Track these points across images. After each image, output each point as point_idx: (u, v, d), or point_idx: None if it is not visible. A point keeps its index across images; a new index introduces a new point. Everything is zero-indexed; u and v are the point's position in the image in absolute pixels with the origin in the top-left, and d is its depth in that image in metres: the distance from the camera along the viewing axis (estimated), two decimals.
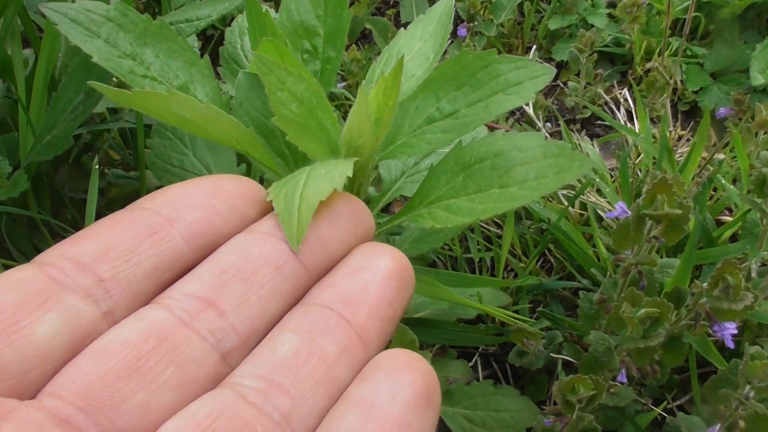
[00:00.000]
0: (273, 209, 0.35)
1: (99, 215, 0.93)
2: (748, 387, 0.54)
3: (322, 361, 0.27)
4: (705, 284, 0.60)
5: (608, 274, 0.80)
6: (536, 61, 0.54)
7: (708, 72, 1.25)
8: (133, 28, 0.57)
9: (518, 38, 1.35)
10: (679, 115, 1.23)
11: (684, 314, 0.58)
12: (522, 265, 0.87)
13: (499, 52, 0.53)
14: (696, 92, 1.23)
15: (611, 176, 0.99)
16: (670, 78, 1.16)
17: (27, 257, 0.81)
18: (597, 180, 0.87)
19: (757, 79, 1.17)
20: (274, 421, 0.25)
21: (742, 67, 1.23)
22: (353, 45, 1.38)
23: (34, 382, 0.24)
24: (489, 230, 0.94)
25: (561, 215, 0.81)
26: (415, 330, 0.75)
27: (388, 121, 0.47)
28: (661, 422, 0.73)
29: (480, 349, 0.83)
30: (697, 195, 0.75)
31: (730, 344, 0.61)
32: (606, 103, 1.23)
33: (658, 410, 0.70)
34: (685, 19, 1.12)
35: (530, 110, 1.12)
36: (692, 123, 1.22)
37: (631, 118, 1.17)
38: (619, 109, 1.19)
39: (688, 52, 1.27)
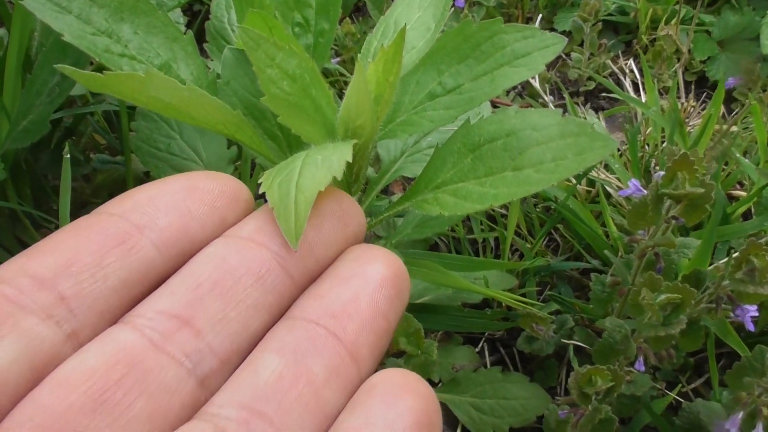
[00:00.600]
0: (255, 210, 0.32)
1: (85, 204, 0.90)
2: None
3: (310, 385, 0.25)
4: (723, 264, 0.57)
5: (619, 253, 0.76)
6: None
7: (716, 40, 1.20)
8: (109, 2, 0.52)
9: (518, 8, 1.30)
10: (687, 86, 1.19)
11: (705, 297, 0.55)
12: (528, 245, 0.84)
13: None
14: (703, 61, 1.19)
15: (618, 151, 0.95)
16: (676, 47, 1.11)
17: (11, 252, 0.77)
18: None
19: None
20: None
21: (752, 34, 1.19)
22: (347, 18, 1.33)
23: None
24: (493, 209, 0.90)
25: (569, 193, 0.77)
26: (419, 316, 0.71)
27: (389, 99, 0.43)
28: (677, 406, 0.70)
29: (486, 333, 0.80)
30: (716, 172, 0.71)
31: (751, 327, 0.58)
32: (611, 75, 1.18)
33: (673, 395, 0.67)
34: None
35: (536, 83, 1.08)
36: (699, 94, 1.18)
37: (637, 90, 1.13)
38: (624, 81, 1.14)
39: (695, 20, 1.23)
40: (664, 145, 0.97)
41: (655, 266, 0.58)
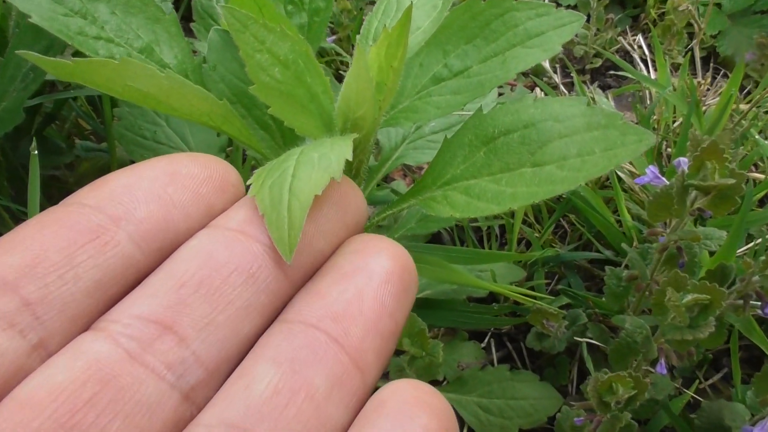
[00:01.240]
0: (245, 194, 0.28)
1: (68, 195, 0.85)
2: None
3: (310, 399, 0.22)
4: (748, 257, 0.53)
5: (633, 243, 0.73)
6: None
7: (726, 14, 1.15)
8: None
9: None
10: (695, 62, 1.14)
11: (732, 294, 0.51)
12: (536, 234, 0.80)
13: None
14: (714, 36, 1.14)
15: None
16: (688, 21, 1.06)
17: None
18: None
19: None
20: None
21: (764, 6, 1.14)
22: None
23: None
24: None
25: None
26: (422, 312, 0.68)
27: (393, 87, 0.39)
28: (694, 404, 0.67)
29: (493, 328, 0.76)
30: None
31: None
32: (617, 51, 1.13)
33: (691, 393, 0.64)
34: None
35: (545, 62, 1.03)
36: (709, 70, 1.13)
37: (646, 67, 1.08)
38: (632, 58, 1.09)
39: None
40: (675, 125, 0.93)
41: (677, 261, 0.55)
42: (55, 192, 0.89)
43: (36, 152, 0.45)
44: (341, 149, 0.32)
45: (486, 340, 0.75)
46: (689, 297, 0.46)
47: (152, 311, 0.22)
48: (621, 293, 0.62)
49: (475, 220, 0.85)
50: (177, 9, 1.06)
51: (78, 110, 0.86)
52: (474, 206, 0.37)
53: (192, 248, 0.24)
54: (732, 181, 0.46)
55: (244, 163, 0.71)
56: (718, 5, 1.16)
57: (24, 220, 0.73)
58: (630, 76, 0.96)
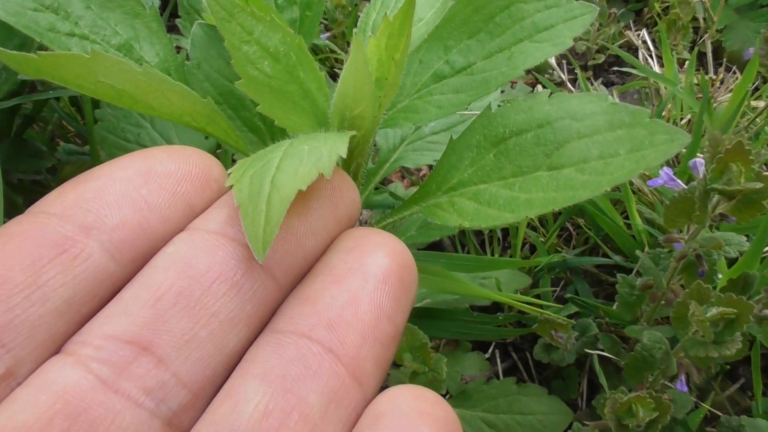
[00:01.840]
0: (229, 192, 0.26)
1: None
2: None
3: (304, 420, 0.20)
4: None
5: (644, 248, 0.69)
6: None
7: (732, 8, 1.12)
8: None
9: None
10: (701, 57, 1.11)
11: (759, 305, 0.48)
12: (541, 238, 0.76)
13: None
14: (720, 30, 1.11)
15: None
16: (693, 15, 1.03)
17: None
18: None
19: None
20: None
21: None
22: None
23: None
24: None
25: None
26: (423, 323, 0.64)
27: (395, 81, 0.35)
28: (711, 417, 0.64)
29: None
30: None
31: None
32: (620, 47, 1.10)
33: (707, 407, 0.61)
34: None
35: (551, 58, 1.00)
36: (716, 66, 1.10)
37: (651, 62, 1.05)
38: (637, 53, 1.06)
39: None
40: (682, 122, 0.90)
41: (696, 269, 0.51)
42: (37, 197, 0.85)
43: None
44: (335, 143, 0.28)
45: (490, 350, 0.72)
46: (714, 311, 0.43)
47: (126, 330, 0.20)
48: (634, 302, 0.58)
49: None
50: (165, 5, 1.03)
51: (60, 111, 0.82)
52: (484, 214, 0.33)
53: (169, 255, 0.22)
54: (759, 185, 0.43)
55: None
56: None
57: None
58: (635, 72, 0.93)
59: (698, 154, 0.69)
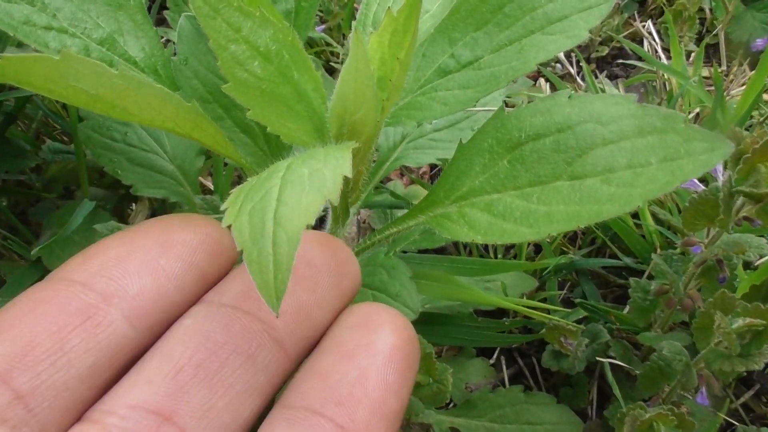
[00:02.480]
0: (238, 260, 0.26)
1: (36, 202, 0.78)
2: None
3: None
4: None
5: (656, 248, 0.66)
6: None
7: None
8: None
9: None
10: (707, 50, 1.07)
11: None
12: (548, 239, 0.73)
13: None
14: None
15: None
16: (699, 5, 1.00)
17: None
18: None
19: None
20: None
21: None
22: None
23: None
24: None
25: None
26: (425, 329, 0.61)
27: (399, 82, 0.32)
28: (726, 426, 0.61)
29: None
30: None
31: None
32: (625, 38, 1.07)
33: (723, 415, 0.58)
34: None
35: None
36: (737, 58, 1.07)
37: (656, 55, 1.02)
38: (642, 45, 1.03)
39: None
40: (690, 116, 0.87)
41: (716, 275, 0.48)
42: (22, 199, 0.82)
43: None
44: (337, 163, 0.25)
45: (495, 356, 0.69)
46: (740, 321, 0.40)
47: (149, 399, 0.22)
48: (647, 308, 0.56)
49: None
50: None
51: (44, 109, 0.79)
52: (499, 228, 0.30)
53: (188, 328, 0.23)
54: None
55: (227, 168, 0.64)
56: None
57: None
58: (639, 65, 0.90)
59: None
